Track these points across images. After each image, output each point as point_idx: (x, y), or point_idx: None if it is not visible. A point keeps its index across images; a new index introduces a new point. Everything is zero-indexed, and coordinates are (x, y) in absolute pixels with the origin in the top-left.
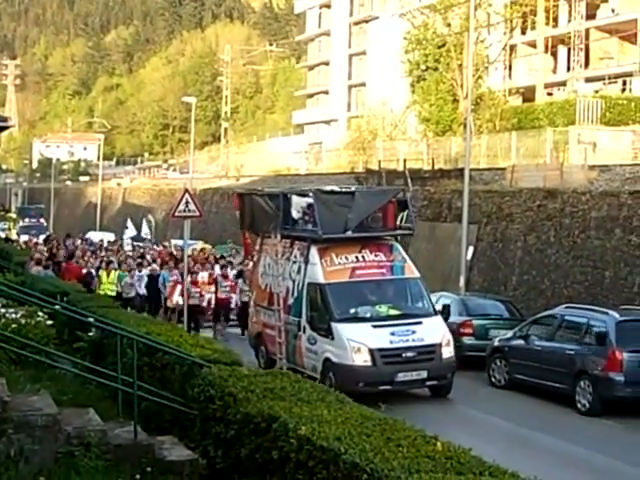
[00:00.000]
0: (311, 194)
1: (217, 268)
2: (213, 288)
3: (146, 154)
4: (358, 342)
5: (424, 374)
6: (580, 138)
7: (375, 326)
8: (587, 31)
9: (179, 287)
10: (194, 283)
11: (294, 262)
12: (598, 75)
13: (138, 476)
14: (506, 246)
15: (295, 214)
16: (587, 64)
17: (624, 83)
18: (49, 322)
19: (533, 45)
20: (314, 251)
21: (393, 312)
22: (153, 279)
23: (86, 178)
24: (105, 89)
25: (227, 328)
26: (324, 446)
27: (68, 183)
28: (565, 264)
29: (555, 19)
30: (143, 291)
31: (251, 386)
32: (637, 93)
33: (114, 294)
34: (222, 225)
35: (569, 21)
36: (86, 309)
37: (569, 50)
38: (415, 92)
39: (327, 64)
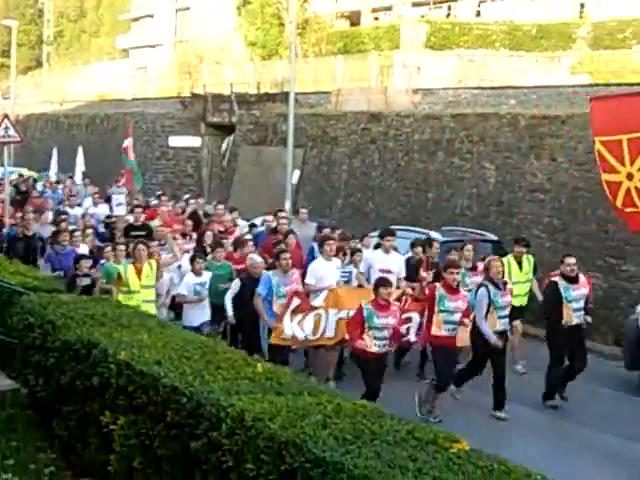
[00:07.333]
0: None
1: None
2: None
3: None
4: None
5: None
6: (405, 62)
7: None
8: None
9: (296, 301)
10: (382, 307)
11: None
12: (423, 0)
13: None
14: (331, 169)
15: None
16: None
17: (449, 8)
18: None
19: None
20: None
21: None
22: (247, 287)
23: None
24: None
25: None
26: (143, 370)
27: None
28: (389, 187)
29: None
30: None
31: (71, 313)
32: (461, 18)
33: (152, 308)
34: (47, 151)
35: None
36: None
37: None
38: (241, 15)
39: None
